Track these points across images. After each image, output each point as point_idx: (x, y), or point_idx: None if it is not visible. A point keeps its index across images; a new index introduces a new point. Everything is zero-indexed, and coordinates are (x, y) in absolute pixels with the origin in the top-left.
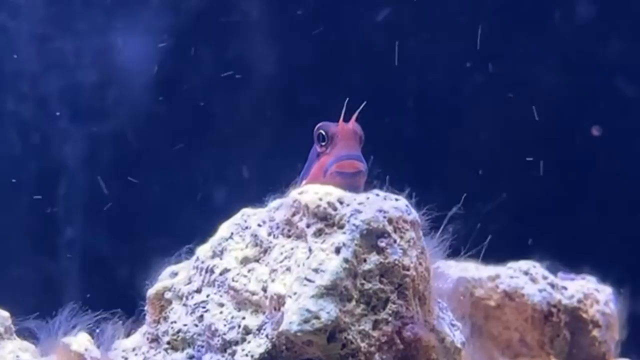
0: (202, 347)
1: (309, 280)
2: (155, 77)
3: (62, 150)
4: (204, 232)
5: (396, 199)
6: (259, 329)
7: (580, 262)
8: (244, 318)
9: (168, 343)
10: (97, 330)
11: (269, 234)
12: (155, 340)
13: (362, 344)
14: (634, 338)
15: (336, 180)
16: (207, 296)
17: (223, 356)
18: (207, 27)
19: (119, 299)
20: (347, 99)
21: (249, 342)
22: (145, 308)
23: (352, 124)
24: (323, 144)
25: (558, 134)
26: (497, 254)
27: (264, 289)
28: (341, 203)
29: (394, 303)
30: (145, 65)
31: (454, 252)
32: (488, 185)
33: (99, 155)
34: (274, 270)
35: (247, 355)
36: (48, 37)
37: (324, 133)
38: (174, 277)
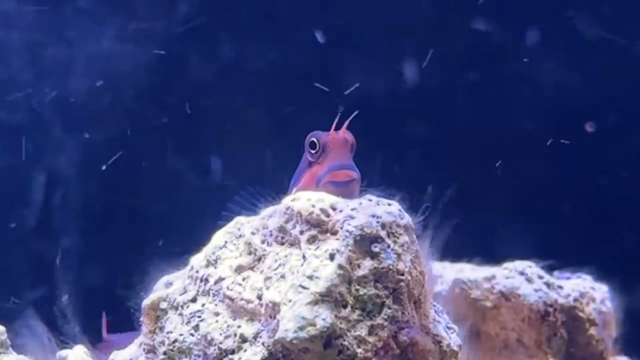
0: (199, 356)
1: (304, 287)
2: (151, 84)
3: (56, 158)
4: (199, 241)
5: (389, 204)
6: (255, 337)
7: (575, 261)
8: (239, 326)
9: (164, 353)
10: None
11: (263, 242)
12: (151, 350)
13: (359, 350)
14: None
15: (330, 190)
16: (203, 305)
17: None
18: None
19: (115, 309)
20: (342, 108)
21: (246, 350)
22: (141, 319)
23: (344, 133)
24: (314, 152)
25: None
26: (493, 254)
27: (259, 297)
28: (334, 209)
29: (389, 308)
30: (138, 72)
31: (449, 253)
32: (483, 185)
33: (93, 162)
34: (268, 278)
35: None
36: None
37: (315, 142)
38: (169, 287)
